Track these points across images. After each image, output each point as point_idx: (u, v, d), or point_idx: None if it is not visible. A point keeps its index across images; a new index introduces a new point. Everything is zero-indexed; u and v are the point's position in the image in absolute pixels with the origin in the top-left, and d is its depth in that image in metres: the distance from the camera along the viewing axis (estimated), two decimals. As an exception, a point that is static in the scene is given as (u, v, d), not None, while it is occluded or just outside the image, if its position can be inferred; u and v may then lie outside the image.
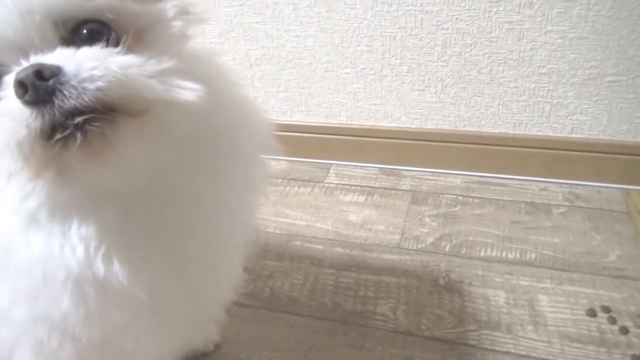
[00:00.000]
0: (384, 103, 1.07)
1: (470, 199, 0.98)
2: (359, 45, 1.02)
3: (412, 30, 0.98)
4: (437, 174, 1.06)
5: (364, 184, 1.05)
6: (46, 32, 0.34)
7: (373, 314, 0.75)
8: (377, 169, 1.10)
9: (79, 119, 0.32)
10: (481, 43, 0.95)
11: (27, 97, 0.31)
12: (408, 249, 0.87)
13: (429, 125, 1.06)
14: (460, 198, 0.99)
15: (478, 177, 1.04)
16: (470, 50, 0.97)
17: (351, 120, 1.10)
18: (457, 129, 1.05)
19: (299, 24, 1.02)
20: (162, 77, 0.35)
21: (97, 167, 0.35)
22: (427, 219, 0.94)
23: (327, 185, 1.06)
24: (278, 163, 1.14)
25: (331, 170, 1.11)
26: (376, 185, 1.05)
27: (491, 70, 0.98)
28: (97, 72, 0.32)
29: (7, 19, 0.33)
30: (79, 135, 0.32)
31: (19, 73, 0.31)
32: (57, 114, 0.31)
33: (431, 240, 0.88)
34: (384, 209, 0.97)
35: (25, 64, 0.32)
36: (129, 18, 0.36)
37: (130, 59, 0.34)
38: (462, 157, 1.05)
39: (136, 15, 0.37)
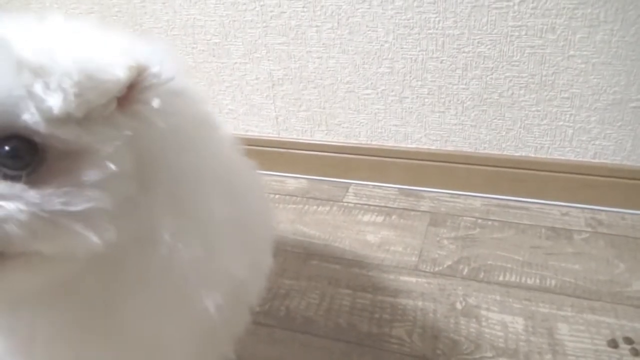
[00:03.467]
0: (404, 124, 1.07)
1: (490, 222, 0.97)
2: (380, 67, 1.03)
3: (433, 53, 0.98)
4: (456, 196, 1.06)
5: (382, 204, 1.06)
6: None
7: (389, 336, 0.74)
8: (396, 189, 1.10)
9: None
10: (502, 67, 0.96)
11: None
12: (425, 272, 0.86)
13: (449, 147, 1.06)
14: (479, 221, 0.98)
15: (498, 200, 1.04)
16: (492, 74, 0.97)
17: (371, 141, 1.11)
18: (477, 151, 1.05)
19: (321, 46, 1.04)
20: (62, 219, 0.31)
21: None
22: (445, 242, 0.93)
23: (346, 204, 1.07)
24: (297, 181, 1.16)
25: (350, 190, 1.12)
26: (395, 205, 1.05)
27: (512, 93, 0.97)
28: None
29: None
30: None
31: None
32: None
33: (449, 263, 0.88)
34: (402, 230, 0.97)
35: None
36: (59, 144, 0.32)
37: (30, 197, 0.31)
38: (482, 180, 1.05)
39: (68, 143, 0.32)
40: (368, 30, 1.00)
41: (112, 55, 0.33)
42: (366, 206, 1.06)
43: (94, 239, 0.32)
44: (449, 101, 1.02)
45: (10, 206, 0.30)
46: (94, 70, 0.32)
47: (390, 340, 0.74)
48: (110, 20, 1.15)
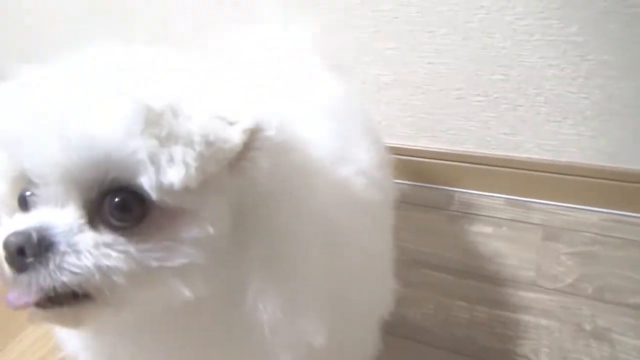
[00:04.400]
0: (516, 133, 1.04)
1: (611, 239, 0.93)
2: (494, 74, 1.00)
3: (553, 60, 0.95)
4: (570, 209, 1.02)
5: (490, 214, 1.03)
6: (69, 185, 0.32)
7: (513, 353, 0.72)
8: (503, 199, 1.07)
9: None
10: (628, 75, 0.91)
11: (6, 257, 0.32)
12: (545, 288, 0.83)
13: (564, 158, 1.02)
14: (598, 237, 0.93)
15: (618, 216, 0.98)
16: (616, 83, 0.92)
17: (479, 149, 1.08)
18: (595, 163, 1.00)
19: (433, 51, 1.02)
20: (158, 273, 0.33)
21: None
22: (562, 257, 0.90)
23: (451, 213, 1.05)
24: (400, 187, 1.15)
25: (455, 198, 1.10)
26: (504, 216, 1.02)
27: (637, 104, 0.92)
28: (84, 262, 0.31)
29: (37, 149, 0.32)
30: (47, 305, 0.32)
31: (8, 236, 0.31)
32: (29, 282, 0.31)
33: (570, 280, 0.84)
34: (515, 243, 0.94)
35: (23, 219, 0.33)
36: (165, 206, 0.32)
37: (132, 251, 0.32)
38: (600, 194, 1.00)
39: (175, 205, 0.32)
40: (484, 36, 0.97)
41: (233, 113, 0.33)
42: (473, 215, 1.03)
43: (187, 293, 0.33)
44: (567, 111, 0.98)
45: (115, 257, 0.31)
46: (214, 136, 0.31)
47: (515, 357, 0.72)
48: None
